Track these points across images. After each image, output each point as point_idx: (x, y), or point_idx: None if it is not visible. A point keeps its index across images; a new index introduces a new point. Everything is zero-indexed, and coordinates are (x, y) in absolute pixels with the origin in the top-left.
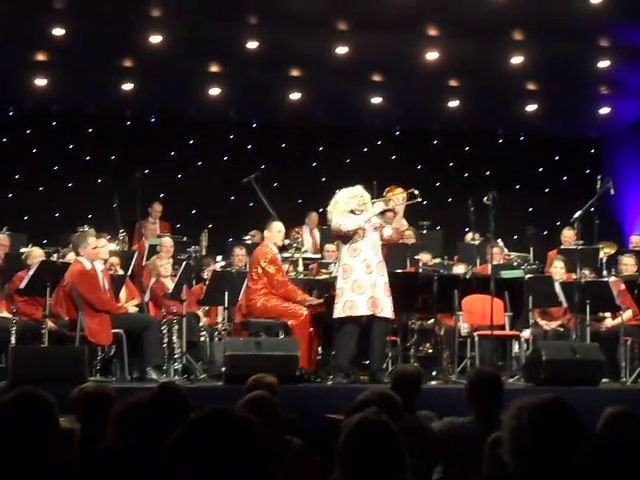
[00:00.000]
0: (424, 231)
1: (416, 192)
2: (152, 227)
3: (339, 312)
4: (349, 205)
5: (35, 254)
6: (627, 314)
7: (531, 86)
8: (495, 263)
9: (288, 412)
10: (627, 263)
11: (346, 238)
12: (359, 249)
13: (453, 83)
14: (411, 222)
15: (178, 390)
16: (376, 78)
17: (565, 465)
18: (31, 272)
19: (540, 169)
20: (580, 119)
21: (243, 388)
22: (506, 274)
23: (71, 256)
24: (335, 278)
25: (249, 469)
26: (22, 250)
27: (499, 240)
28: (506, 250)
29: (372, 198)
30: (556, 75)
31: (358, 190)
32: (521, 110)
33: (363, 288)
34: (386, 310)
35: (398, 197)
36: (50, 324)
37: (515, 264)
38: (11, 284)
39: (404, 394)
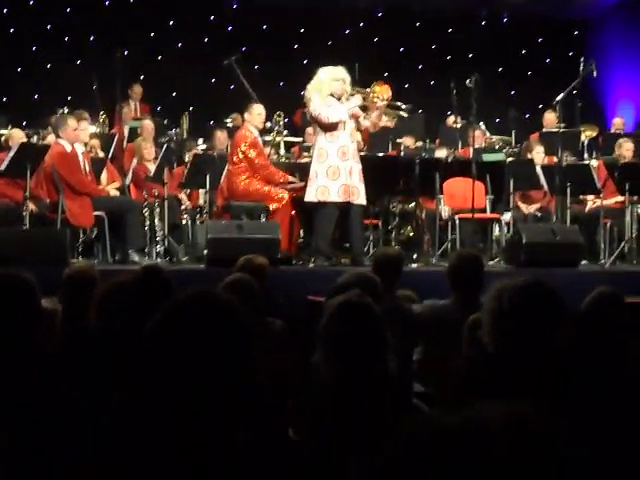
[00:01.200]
0: (405, 114)
1: (403, 106)
2: (132, 110)
3: (311, 196)
4: (330, 88)
5: (16, 136)
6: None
7: None
8: (477, 146)
9: (270, 294)
10: (629, 148)
11: (324, 127)
12: (336, 135)
13: None
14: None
15: (161, 272)
16: None
17: (544, 345)
18: (11, 154)
19: (523, 51)
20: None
21: (234, 268)
22: (488, 157)
23: (51, 138)
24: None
25: (231, 350)
26: (1, 132)
27: (481, 123)
28: (488, 133)
29: (354, 82)
30: None
31: (340, 73)
32: None
33: (337, 174)
34: (361, 197)
35: (383, 95)
36: (31, 206)
37: (497, 147)
38: None
39: (385, 276)
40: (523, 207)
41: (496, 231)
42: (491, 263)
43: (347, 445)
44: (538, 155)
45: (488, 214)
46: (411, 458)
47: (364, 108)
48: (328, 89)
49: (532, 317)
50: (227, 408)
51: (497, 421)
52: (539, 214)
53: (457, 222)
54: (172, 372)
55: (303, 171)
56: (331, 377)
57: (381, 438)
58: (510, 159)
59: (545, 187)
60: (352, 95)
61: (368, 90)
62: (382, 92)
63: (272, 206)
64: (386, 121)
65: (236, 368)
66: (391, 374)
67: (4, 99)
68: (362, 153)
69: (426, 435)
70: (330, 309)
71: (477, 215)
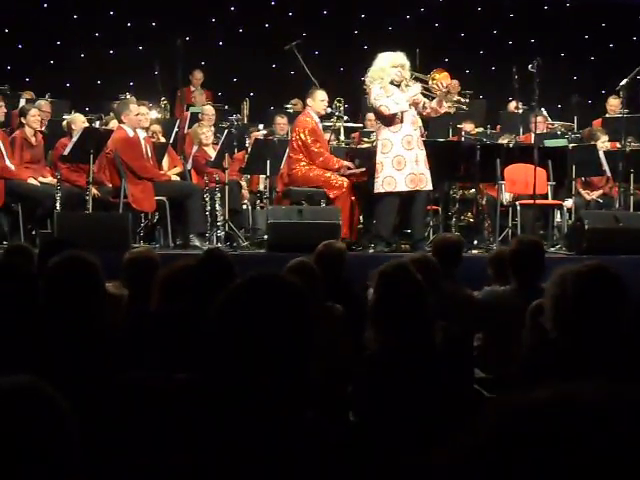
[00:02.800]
0: (467, 100)
1: (462, 100)
2: (194, 95)
3: (379, 187)
4: (390, 75)
5: (78, 120)
6: None
7: None
8: (538, 132)
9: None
10: None
11: (385, 118)
12: (399, 125)
13: None
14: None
15: (224, 256)
16: None
17: (608, 332)
18: (75, 139)
19: (586, 36)
20: None
21: (314, 253)
22: (550, 143)
23: (113, 123)
24: (376, 148)
25: (296, 331)
26: (64, 117)
27: (543, 109)
28: (550, 119)
29: (414, 68)
30: None
31: (400, 58)
32: None
33: (403, 164)
34: (428, 183)
35: (442, 82)
36: (94, 191)
37: (559, 133)
38: (54, 150)
39: (445, 262)
40: (585, 193)
41: (557, 218)
42: (552, 250)
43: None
44: (603, 144)
45: (550, 200)
46: (513, 435)
47: (426, 94)
48: (388, 76)
49: (595, 302)
50: (289, 389)
51: (593, 393)
52: (601, 200)
53: (518, 208)
54: (236, 352)
55: (363, 157)
56: (378, 351)
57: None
58: (572, 145)
59: (608, 173)
60: (411, 83)
61: (427, 77)
62: (441, 79)
63: (332, 193)
64: (447, 107)
65: (299, 349)
66: (437, 345)
67: (67, 84)
68: (423, 139)
69: (524, 410)
70: (373, 281)
71: (538, 201)
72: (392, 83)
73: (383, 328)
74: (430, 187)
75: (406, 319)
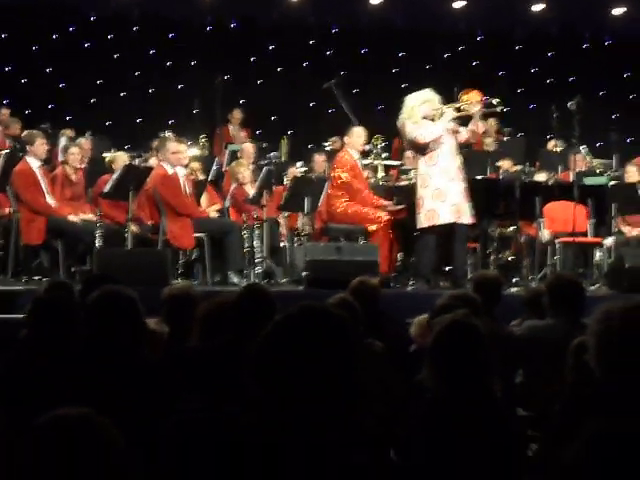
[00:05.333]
0: (505, 138)
1: (494, 101)
2: (234, 135)
3: (422, 222)
4: (421, 111)
5: (120, 159)
6: None
7: None
8: (578, 170)
9: (381, 316)
10: None
11: (423, 149)
12: (436, 156)
13: None
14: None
15: (265, 291)
16: None
17: None
18: (115, 176)
19: (625, 75)
20: None
21: (348, 288)
22: (589, 181)
23: (153, 161)
24: (415, 185)
25: (341, 365)
26: (105, 155)
27: (582, 147)
28: (589, 157)
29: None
30: None
31: (428, 94)
32: (608, 13)
33: (444, 196)
34: (466, 216)
35: (472, 101)
36: (133, 228)
37: (598, 171)
38: (95, 187)
39: (485, 299)
40: (626, 230)
41: (597, 256)
42: (592, 288)
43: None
44: (629, 175)
45: (589, 238)
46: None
47: (463, 122)
48: (419, 113)
49: None
50: (337, 427)
51: None
52: None
53: (557, 246)
54: (283, 386)
55: (402, 194)
56: (436, 395)
57: (484, 459)
58: (612, 182)
59: None
60: (443, 112)
61: (458, 101)
62: (471, 98)
63: (371, 227)
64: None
65: (348, 384)
66: (495, 396)
67: (108, 122)
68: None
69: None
70: (438, 327)
71: (578, 239)
72: (425, 119)
73: (442, 375)
74: (469, 220)
75: (468, 369)
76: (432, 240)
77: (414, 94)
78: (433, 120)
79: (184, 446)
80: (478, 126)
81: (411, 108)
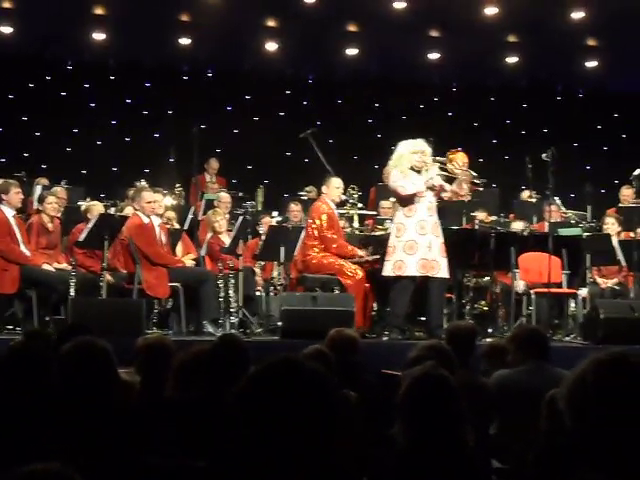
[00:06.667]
0: (480, 189)
1: (477, 181)
2: (210, 185)
3: (388, 271)
4: (410, 161)
5: (95, 209)
6: None
7: (591, 42)
8: (552, 221)
9: (358, 367)
10: None
11: (403, 200)
12: (414, 209)
13: (512, 38)
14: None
15: (239, 342)
16: (433, 33)
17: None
18: (90, 225)
19: (599, 126)
20: None
21: (326, 338)
22: (564, 232)
23: (129, 210)
24: (389, 235)
25: (319, 419)
26: (80, 203)
27: (556, 198)
28: (563, 208)
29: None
30: (617, 30)
31: (420, 145)
32: (581, 66)
33: (415, 249)
34: (442, 271)
35: (458, 162)
36: (108, 277)
37: (572, 222)
38: (70, 236)
39: (458, 350)
40: (600, 281)
41: (572, 306)
42: (567, 339)
43: None
44: (608, 227)
45: (564, 289)
46: None
47: (449, 181)
48: (408, 162)
49: (615, 392)
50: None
51: None
52: (617, 287)
53: (533, 297)
54: (259, 439)
55: (377, 243)
56: (409, 449)
57: None
58: (587, 234)
59: (623, 263)
60: (432, 168)
61: (444, 159)
62: (457, 159)
63: (345, 281)
64: (466, 192)
65: (323, 436)
66: (469, 447)
67: (84, 171)
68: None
69: None
70: (407, 381)
71: (553, 290)
72: (412, 169)
73: (413, 428)
74: (445, 275)
75: (439, 422)
76: (405, 289)
77: (407, 142)
78: (419, 172)
79: None
80: (462, 188)
81: (400, 156)
